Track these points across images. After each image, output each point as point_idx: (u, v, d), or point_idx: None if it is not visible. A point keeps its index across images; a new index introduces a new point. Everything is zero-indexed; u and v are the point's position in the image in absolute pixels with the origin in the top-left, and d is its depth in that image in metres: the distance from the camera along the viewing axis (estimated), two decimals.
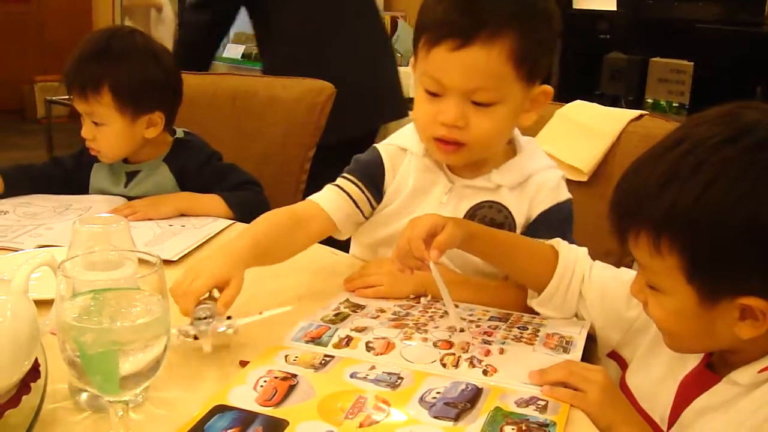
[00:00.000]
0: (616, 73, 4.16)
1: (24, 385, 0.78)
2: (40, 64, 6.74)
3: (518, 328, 1.13)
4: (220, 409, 0.86)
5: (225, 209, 1.63)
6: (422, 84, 1.19)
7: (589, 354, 1.11)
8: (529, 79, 1.17)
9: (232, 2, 2.41)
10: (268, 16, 2.41)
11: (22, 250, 1.36)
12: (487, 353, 1.03)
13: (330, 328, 1.08)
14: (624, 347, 1.13)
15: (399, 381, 0.95)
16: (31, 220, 1.54)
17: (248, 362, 0.98)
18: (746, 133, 0.85)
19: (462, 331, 1.09)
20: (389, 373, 0.96)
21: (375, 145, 1.36)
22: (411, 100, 1.46)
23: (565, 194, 1.30)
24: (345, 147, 1.59)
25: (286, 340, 1.05)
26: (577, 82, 4.15)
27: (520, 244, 1.21)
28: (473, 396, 0.92)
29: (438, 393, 0.92)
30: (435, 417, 0.87)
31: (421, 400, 0.90)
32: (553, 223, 1.27)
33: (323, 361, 0.99)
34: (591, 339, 1.14)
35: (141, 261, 0.80)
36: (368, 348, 1.03)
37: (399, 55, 3.69)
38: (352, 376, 0.95)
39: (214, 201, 1.64)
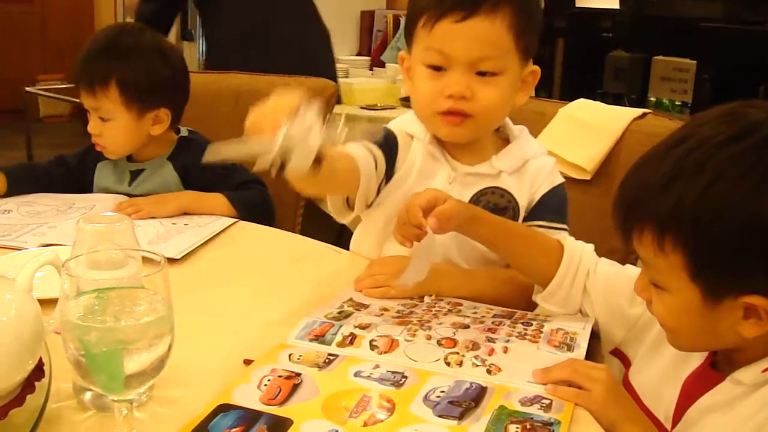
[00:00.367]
0: (618, 71, 4.15)
1: (28, 384, 0.78)
2: (42, 64, 6.73)
3: (522, 323, 1.13)
4: (224, 408, 0.86)
5: (229, 208, 1.63)
6: (425, 60, 1.23)
7: (593, 352, 1.11)
8: (524, 54, 1.23)
9: None
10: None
11: (25, 248, 1.36)
12: (491, 352, 1.03)
13: (334, 325, 1.08)
14: (627, 345, 1.13)
15: (403, 380, 0.94)
16: (35, 218, 1.54)
17: (252, 361, 0.98)
18: (750, 132, 0.86)
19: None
20: (393, 372, 0.96)
21: (386, 126, 1.36)
22: (404, 99, 1.47)
23: (559, 178, 1.36)
24: None
25: (289, 338, 1.05)
26: (580, 81, 4.14)
27: (524, 233, 1.22)
28: (477, 395, 0.92)
29: (442, 392, 0.92)
30: (439, 416, 0.87)
31: (425, 398, 0.90)
32: (554, 205, 1.32)
33: (327, 360, 0.99)
34: (595, 337, 1.14)
35: (145, 260, 0.80)
36: (372, 346, 1.03)
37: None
38: (356, 374, 0.95)
39: (217, 199, 1.64)
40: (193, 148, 1.74)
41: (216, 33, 2.89)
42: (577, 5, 4.45)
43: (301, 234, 1.83)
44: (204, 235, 1.48)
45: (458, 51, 1.19)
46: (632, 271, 1.12)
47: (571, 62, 4.29)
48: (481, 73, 1.20)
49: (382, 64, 3.80)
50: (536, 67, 1.29)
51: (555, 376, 0.96)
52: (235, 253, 1.44)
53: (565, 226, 1.31)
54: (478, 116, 1.23)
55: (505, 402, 0.90)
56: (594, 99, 1.82)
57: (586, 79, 4.16)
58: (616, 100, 3.89)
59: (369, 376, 0.95)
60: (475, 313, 1.17)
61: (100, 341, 0.71)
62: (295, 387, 0.91)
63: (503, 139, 1.36)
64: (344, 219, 1.37)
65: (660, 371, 1.03)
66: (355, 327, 1.08)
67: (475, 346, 1.04)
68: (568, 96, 1.82)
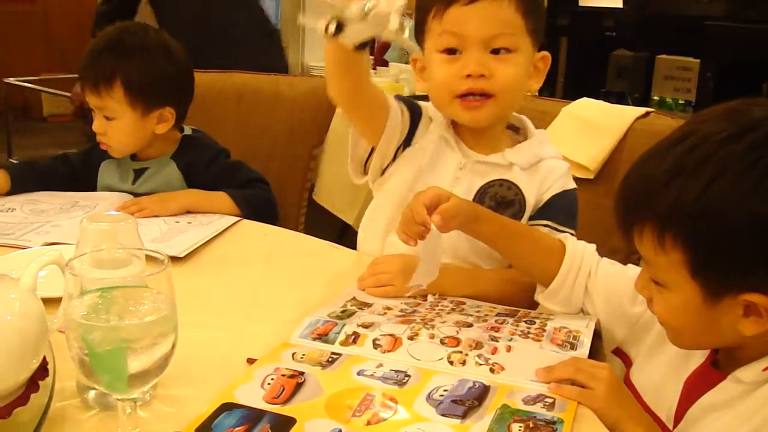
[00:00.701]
0: (622, 70, 4.15)
1: (32, 383, 0.78)
2: (44, 63, 6.74)
3: (525, 322, 1.13)
4: (228, 407, 0.86)
5: (232, 206, 1.63)
6: (439, 46, 1.26)
7: (596, 351, 1.11)
8: (534, 36, 1.27)
9: None
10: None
11: (29, 247, 1.36)
12: (494, 351, 1.03)
13: (337, 324, 1.08)
14: (629, 344, 1.13)
15: (406, 379, 0.95)
16: (38, 217, 1.54)
17: (255, 360, 0.98)
18: (752, 130, 0.86)
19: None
20: (396, 371, 0.96)
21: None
22: (416, 97, 1.47)
23: (572, 183, 1.36)
24: None
25: (293, 337, 1.05)
26: (583, 80, 4.14)
27: (526, 233, 1.22)
28: (480, 394, 0.92)
29: (445, 391, 0.92)
30: (442, 415, 0.87)
31: (429, 397, 0.90)
32: (564, 207, 1.33)
33: (330, 359, 0.99)
34: (597, 336, 1.14)
35: (149, 258, 0.81)
36: (375, 345, 1.03)
37: (404, 53, 3.69)
38: (359, 373, 0.95)
39: (221, 198, 1.64)
40: (197, 146, 1.74)
41: (168, 28, 2.96)
42: (580, 4, 4.44)
43: (305, 232, 1.84)
44: (207, 233, 1.48)
45: (471, 30, 1.22)
46: (633, 272, 1.12)
47: (574, 61, 4.29)
48: (496, 51, 1.23)
49: (386, 63, 3.80)
50: (546, 53, 1.32)
51: (558, 375, 0.96)
52: (238, 252, 1.44)
53: (572, 231, 1.30)
54: (497, 95, 1.25)
55: (508, 401, 0.90)
56: (597, 98, 1.82)
57: (589, 78, 4.15)
58: (619, 99, 3.88)
59: (372, 375, 0.95)
60: (478, 311, 1.17)
61: (103, 340, 0.71)
62: (299, 386, 0.91)
63: (523, 135, 1.37)
64: (359, 180, 1.39)
65: (661, 370, 1.03)
66: (359, 326, 1.08)
67: (478, 344, 1.04)
68: (571, 95, 1.83)
